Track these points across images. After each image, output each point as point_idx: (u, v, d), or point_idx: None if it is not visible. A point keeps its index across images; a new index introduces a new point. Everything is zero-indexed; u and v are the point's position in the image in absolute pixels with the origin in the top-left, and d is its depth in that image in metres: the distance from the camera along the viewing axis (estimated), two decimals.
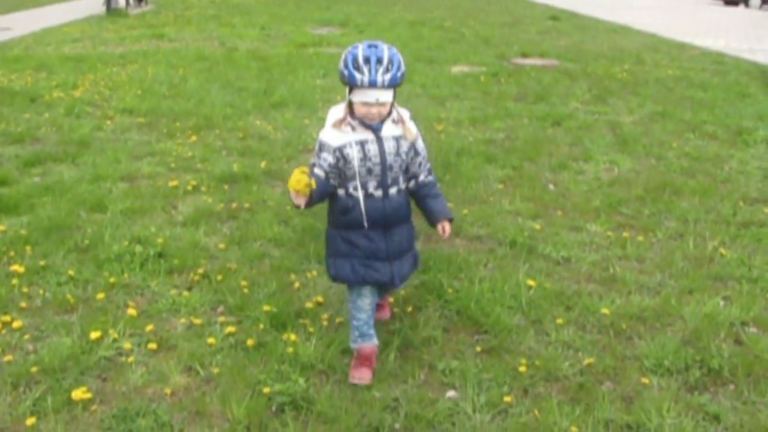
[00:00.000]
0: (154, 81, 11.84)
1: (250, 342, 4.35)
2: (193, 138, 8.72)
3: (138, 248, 5.53)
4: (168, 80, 11.93)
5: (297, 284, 5.12)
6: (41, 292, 4.97)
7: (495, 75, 13.02)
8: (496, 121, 9.79)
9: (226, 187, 7.09)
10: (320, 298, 4.91)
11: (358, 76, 3.66)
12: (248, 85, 11.58)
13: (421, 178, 4.05)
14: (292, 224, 6.16)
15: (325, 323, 4.61)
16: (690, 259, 5.70)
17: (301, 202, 3.67)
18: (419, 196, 4.08)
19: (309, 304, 4.82)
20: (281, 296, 4.91)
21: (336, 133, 3.82)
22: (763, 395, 4.03)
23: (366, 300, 4.08)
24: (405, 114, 3.96)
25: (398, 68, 3.71)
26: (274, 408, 3.81)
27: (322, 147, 3.85)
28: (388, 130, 3.85)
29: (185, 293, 4.97)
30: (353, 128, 3.80)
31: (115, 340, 4.39)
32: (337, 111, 3.89)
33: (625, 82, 12.65)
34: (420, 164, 4.02)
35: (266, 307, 4.71)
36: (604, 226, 6.30)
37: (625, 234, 6.13)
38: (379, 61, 3.66)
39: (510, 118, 10.05)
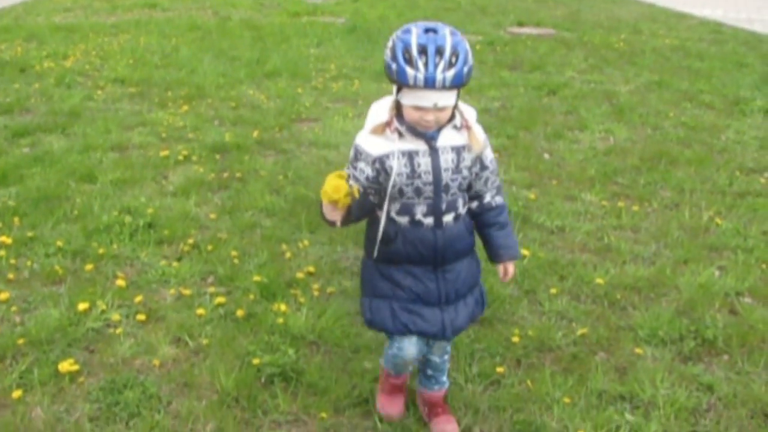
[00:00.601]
0: (146, 51, 11.70)
1: (239, 313, 4.30)
2: (185, 108, 8.62)
3: (127, 218, 5.47)
4: (160, 50, 11.80)
5: (288, 254, 5.06)
6: (29, 263, 4.91)
7: (491, 44, 12.90)
8: (491, 90, 9.70)
9: (217, 156, 7.01)
10: (311, 268, 4.85)
11: (410, 72, 2.73)
12: (241, 55, 11.45)
13: (487, 199, 3.19)
14: (284, 194, 6.09)
15: (316, 293, 4.55)
16: (685, 229, 5.65)
17: (338, 217, 2.85)
18: (481, 223, 3.22)
19: (300, 274, 4.76)
20: (272, 266, 4.85)
21: (376, 140, 2.94)
22: (757, 365, 4.00)
23: (409, 353, 3.25)
24: (470, 115, 3.05)
25: (464, 61, 2.79)
26: (263, 379, 3.76)
27: (358, 155, 2.99)
28: (447, 138, 2.96)
29: (175, 264, 4.91)
30: (400, 134, 2.91)
31: (103, 312, 4.33)
32: (380, 109, 3.00)
33: (622, 51, 12.54)
34: (487, 181, 3.16)
35: (256, 278, 4.66)
36: (599, 195, 6.24)
37: (621, 203, 6.07)
38: (440, 51, 2.74)
39: (505, 87, 9.95)
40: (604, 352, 4.08)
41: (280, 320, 4.20)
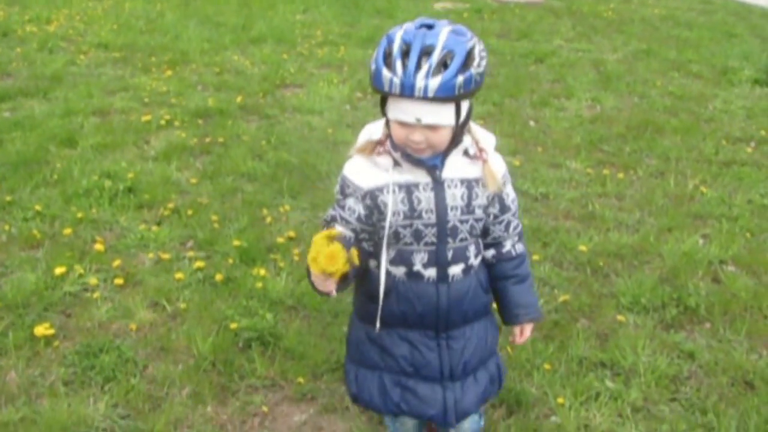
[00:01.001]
0: (130, 16, 11.54)
1: (218, 277, 4.26)
2: (169, 73, 8.51)
3: (107, 183, 5.39)
4: (145, 15, 11.64)
5: (269, 219, 5.01)
6: (7, 227, 4.83)
7: (478, 11, 12.77)
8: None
9: (200, 121, 6.92)
10: (292, 233, 4.80)
11: (386, 75, 2.16)
12: (227, 20, 11.31)
13: (506, 247, 2.58)
14: (266, 159, 6.02)
15: (296, 258, 4.50)
16: (670, 197, 5.62)
17: (332, 287, 2.23)
18: (496, 274, 2.60)
19: (280, 239, 4.71)
20: (252, 231, 4.80)
21: (367, 167, 2.37)
22: (739, 333, 3.98)
23: None
24: (487, 143, 2.44)
25: (460, 68, 2.16)
26: (240, 344, 3.72)
27: (345, 188, 2.39)
28: (456, 168, 2.37)
29: (154, 228, 4.84)
30: (396, 163, 2.34)
31: (80, 276, 4.28)
32: (373, 130, 2.44)
33: (611, 20, 12.45)
34: (508, 226, 2.55)
35: (236, 242, 4.61)
36: (584, 163, 6.19)
37: (606, 171, 6.03)
38: (426, 51, 2.15)
39: (492, 54, 9.84)
40: (585, 319, 4.05)
41: (259, 285, 4.16)
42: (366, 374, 2.57)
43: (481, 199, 2.40)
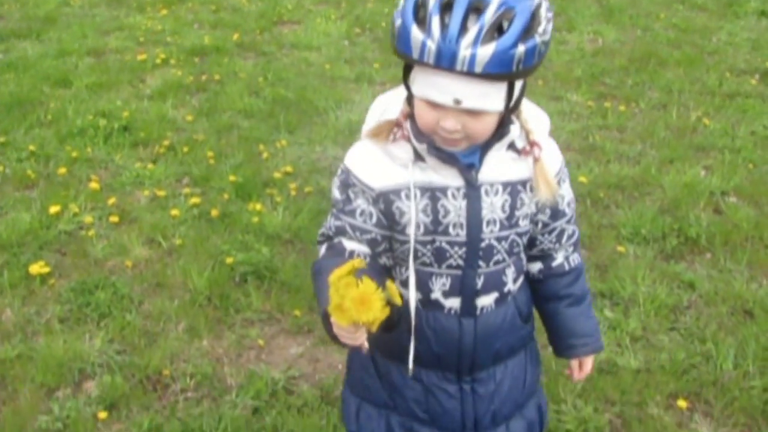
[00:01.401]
0: None
1: (214, 213, 4.21)
2: (164, 11, 8.37)
3: (102, 122, 5.33)
4: None
5: (265, 154, 4.95)
6: (1, 168, 4.79)
7: None
8: None
9: (196, 60, 6.83)
10: (289, 168, 4.75)
11: (417, 35, 1.57)
12: None
13: (558, 260, 1.98)
14: (263, 95, 5.95)
15: (293, 193, 4.46)
16: (672, 129, 5.55)
17: (363, 339, 1.62)
18: (546, 294, 2.03)
19: (277, 174, 4.66)
20: (248, 166, 4.75)
21: (379, 159, 1.78)
22: (739, 263, 3.95)
23: None
24: (541, 129, 1.83)
25: (522, 33, 1.57)
26: (236, 278, 3.70)
27: (350, 186, 1.81)
28: (497, 167, 1.78)
29: (150, 166, 4.79)
30: (418, 155, 1.75)
31: (75, 215, 4.24)
32: (387, 105, 1.83)
33: None
34: (561, 235, 1.95)
35: (232, 178, 4.56)
36: (586, 96, 6.11)
37: (607, 104, 5.94)
38: (476, 8, 1.57)
39: None
40: (585, 250, 4.01)
41: (255, 219, 4.12)
42: (371, 412, 2.03)
43: (527, 207, 1.82)
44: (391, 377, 1.97)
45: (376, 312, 1.51)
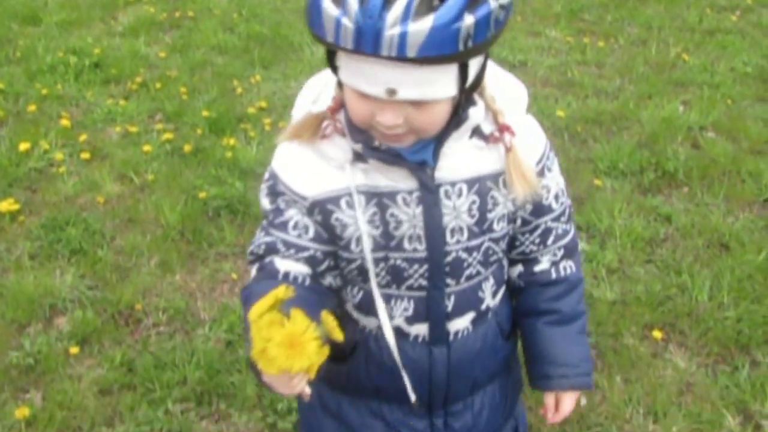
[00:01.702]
0: None
1: (187, 148, 4.15)
2: None
3: (73, 59, 5.22)
4: None
5: (239, 90, 4.87)
6: None
7: None
8: None
9: None
10: (263, 103, 4.68)
11: (330, 13, 1.20)
12: None
13: (542, 265, 1.62)
14: (238, 31, 5.85)
15: (267, 128, 4.39)
16: (651, 65, 5.50)
17: (303, 386, 1.32)
18: (525, 306, 1.67)
19: (251, 109, 4.59)
20: (222, 102, 4.67)
21: (310, 161, 1.44)
22: (716, 197, 3.94)
23: None
24: (515, 107, 1.47)
25: (466, 3, 1.17)
26: (209, 212, 3.65)
27: (278, 193, 1.46)
28: (458, 161, 1.42)
29: (122, 102, 4.71)
30: (357, 155, 1.40)
31: (46, 152, 4.16)
32: (320, 91, 1.47)
33: None
34: (544, 235, 1.58)
35: (205, 113, 4.48)
36: (564, 31, 6.03)
37: (586, 39, 5.88)
38: None
39: None
40: None
41: (229, 154, 4.06)
42: None
43: (502, 207, 1.47)
44: (344, 415, 1.64)
45: (311, 356, 1.18)
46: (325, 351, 1.21)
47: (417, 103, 1.26)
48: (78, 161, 4.10)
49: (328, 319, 1.23)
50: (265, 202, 1.48)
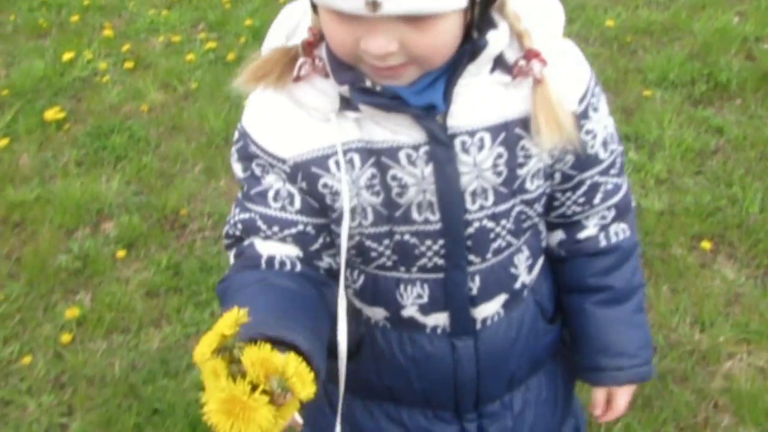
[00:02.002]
0: None
1: (230, 57, 4.12)
2: None
3: None
4: None
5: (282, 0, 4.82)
6: (12, 18, 4.71)
7: None
8: None
9: None
10: None
11: None
12: None
13: (588, 230, 1.30)
14: None
15: None
16: None
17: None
18: (569, 281, 1.35)
19: None
20: (265, 11, 4.60)
21: (285, 114, 1.12)
22: None
23: None
24: (546, 31, 1.12)
25: None
26: None
27: (248, 156, 1.17)
28: (475, 103, 1.09)
29: (164, 12, 4.68)
30: (346, 101, 1.08)
31: (89, 61, 4.17)
32: (293, 25, 1.13)
33: None
34: (590, 193, 1.25)
35: (248, 22, 4.44)
36: None
37: None
38: None
39: None
40: (611, 93, 3.90)
41: None
42: None
43: (537, 160, 1.16)
44: (356, 420, 1.36)
45: (263, 423, 0.84)
46: (289, 411, 0.88)
47: (413, 20, 0.95)
48: (121, 70, 4.10)
49: (291, 364, 0.87)
50: (237, 169, 1.19)
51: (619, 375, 1.34)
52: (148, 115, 3.74)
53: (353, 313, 1.25)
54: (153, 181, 3.31)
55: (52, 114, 3.71)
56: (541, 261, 1.31)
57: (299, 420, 0.99)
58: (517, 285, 1.25)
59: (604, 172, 1.23)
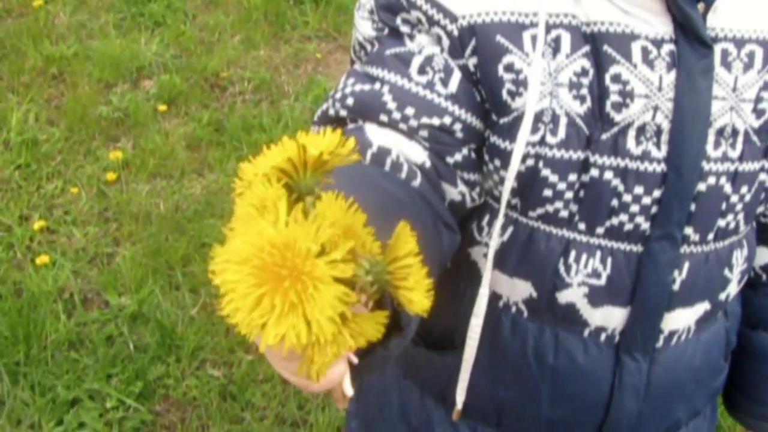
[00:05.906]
0: None
1: None
2: None
3: None
4: None
5: None
6: None
7: None
8: None
9: None
10: None
11: None
12: None
13: None
14: None
15: None
16: None
17: (336, 375, 0.56)
18: (756, 314, 1.00)
19: None
20: None
21: None
22: None
23: None
24: None
25: None
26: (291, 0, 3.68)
27: (396, 7, 0.77)
28: (754, 2, 0.77)
29: None
30: None
31: None
32: None
33: None
34: None
35: None
36: None
37: None
38: None
39: None
40: None
41: None
42: None
43: None
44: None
45: (326, 309, 0.46)
46: (364, 327, 0.51)
47: None
48: None
49: (406, 249, 0.52)
50: (365, 26, 0.81)
51: None
52: None
53: (471, 284, 0.86)
54: (192, 46, 3.35)
55: None
56: (744, 277, 0.92)
57: (348, 390, 0.60)
58: (723, 295, 0.88)
59: None
